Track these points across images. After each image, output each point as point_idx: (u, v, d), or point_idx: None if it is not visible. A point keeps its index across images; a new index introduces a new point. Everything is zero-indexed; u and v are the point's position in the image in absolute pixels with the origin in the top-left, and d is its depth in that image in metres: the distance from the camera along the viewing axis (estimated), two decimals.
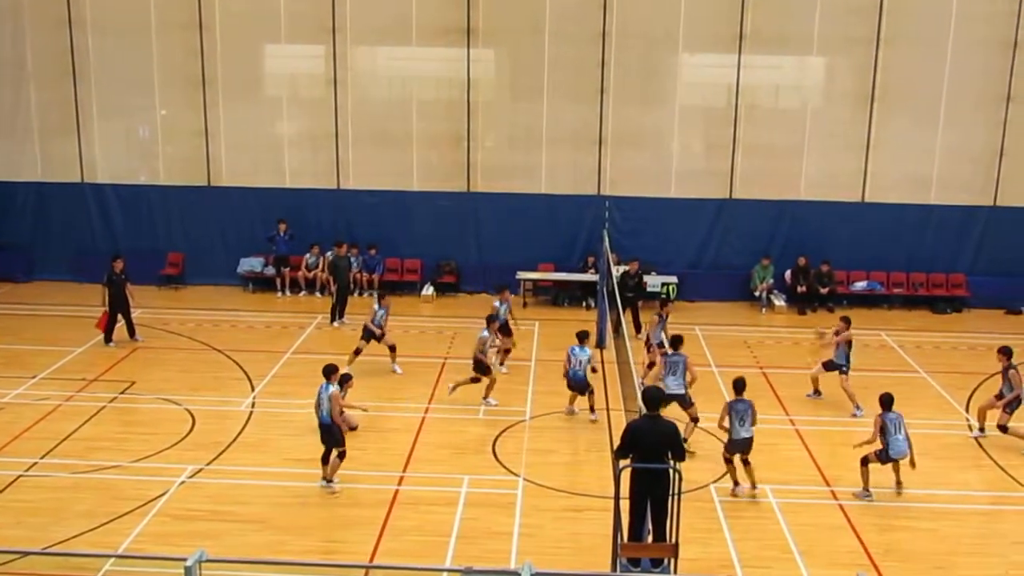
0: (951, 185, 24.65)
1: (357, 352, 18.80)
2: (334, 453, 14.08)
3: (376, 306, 19.28)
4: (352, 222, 25.17)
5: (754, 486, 14.09)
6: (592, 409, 16.86)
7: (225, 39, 24.72)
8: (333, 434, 13.98)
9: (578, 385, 16.66)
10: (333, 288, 22.74)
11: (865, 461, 14.07)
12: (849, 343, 17.54)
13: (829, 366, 17.63)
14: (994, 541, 13.22)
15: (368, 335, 18.95)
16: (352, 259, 23.93)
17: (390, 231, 25.19)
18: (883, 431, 13.86)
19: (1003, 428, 15.92)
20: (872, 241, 24.83)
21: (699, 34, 24.42)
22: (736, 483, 14.10)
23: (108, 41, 24.89)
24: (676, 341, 16.31)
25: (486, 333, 17.59)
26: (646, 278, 23.97)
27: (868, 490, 14.07)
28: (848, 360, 17.45)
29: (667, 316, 18.83)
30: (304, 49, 25.30)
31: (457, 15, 24.31)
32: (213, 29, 24.63)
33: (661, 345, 17.89)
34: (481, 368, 17.37)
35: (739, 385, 14.18)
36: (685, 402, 15.65)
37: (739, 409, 13.93)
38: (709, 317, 23.66)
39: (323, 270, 24.58)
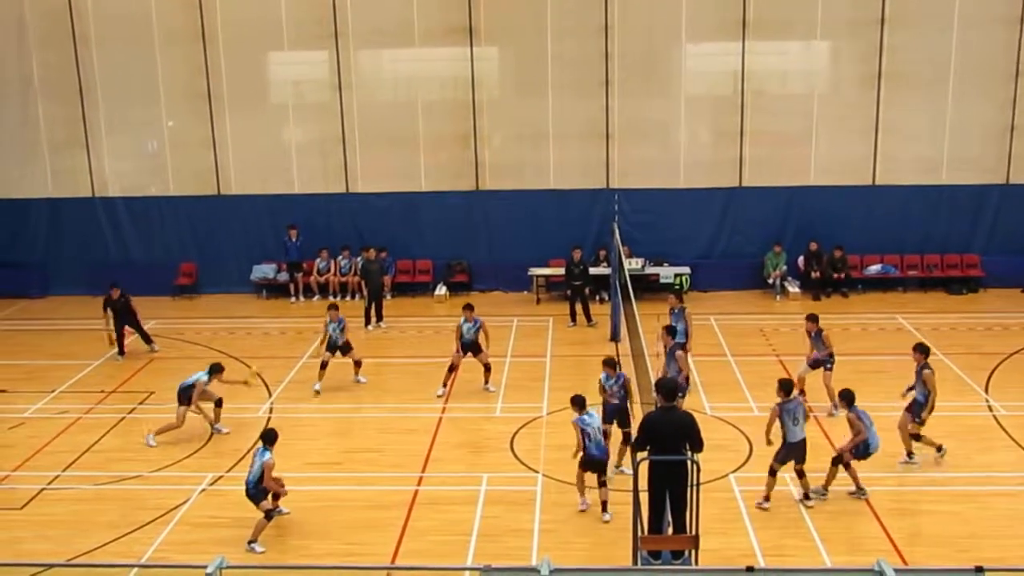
0: (962, 165, 24.48)
1: (324, 366, 18.32)
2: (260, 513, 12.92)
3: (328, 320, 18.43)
4: (362, 225, 25.22)
5: (807, 496, 13.39)
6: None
7: (229, 49, 24.79)
8: (255, 497, 12.93)
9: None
10: (365, 292, 22.92)
11: (839, 461, 13.51)
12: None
13: (815, 363, 17.03)
14: (1019, 523, 13.10)
15: (332, 347, 18.37)
16: (383, 263, 23.94)
17: (400, 233, 25.21)
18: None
19: (916, 436, 14.66)
20: (884, 224, 24.69)
21: (702, 23, 24.32)
22: (767, 497, 13.38)
23: (113, 55, 24.99)
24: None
25: None
26: (658, 269, 24.08)
27: (827, 489, 13.65)
28: (833, 357, 16.79)
29: (680, 309, 17.98)
30: (308, 55, 25.32)
31: (459, 15, 24.30)
32: (216, 39, 24.70)
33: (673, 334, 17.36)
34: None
35: (787, 385, 13.33)
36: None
37: (790, 408, 13.15)
38: (723, 306, 23.60)
39: (355, 274, 24.68)
